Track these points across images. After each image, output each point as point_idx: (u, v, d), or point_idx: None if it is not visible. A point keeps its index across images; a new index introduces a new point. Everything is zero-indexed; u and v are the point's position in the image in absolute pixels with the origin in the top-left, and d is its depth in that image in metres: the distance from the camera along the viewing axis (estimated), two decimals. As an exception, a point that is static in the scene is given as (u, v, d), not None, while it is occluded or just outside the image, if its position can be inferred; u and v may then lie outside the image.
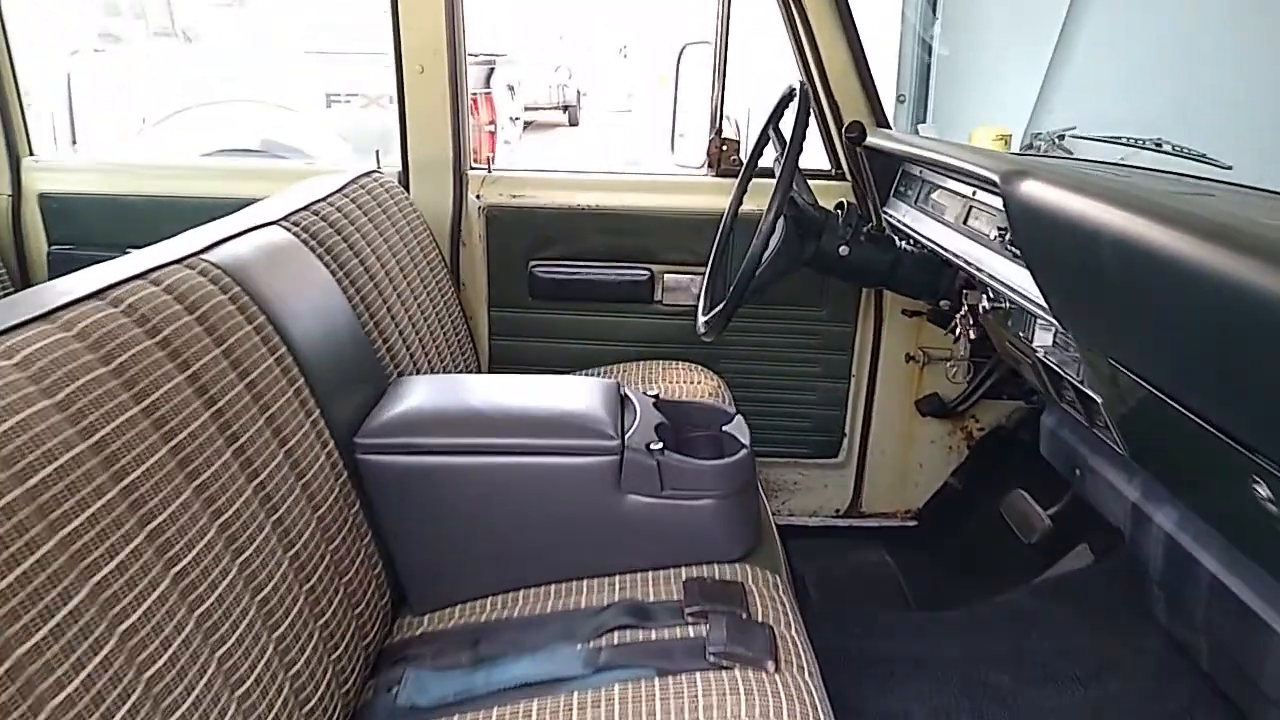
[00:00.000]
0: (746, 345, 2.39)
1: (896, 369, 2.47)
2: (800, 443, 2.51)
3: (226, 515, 1.01)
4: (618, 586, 1.33)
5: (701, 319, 2.02)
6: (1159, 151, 1.59)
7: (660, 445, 1.34)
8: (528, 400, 1.44)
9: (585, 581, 1.35)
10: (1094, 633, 1.61)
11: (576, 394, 1.46)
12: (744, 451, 1.38)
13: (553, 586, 1.36)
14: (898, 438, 2.55)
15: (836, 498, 2.58)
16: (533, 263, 2.37)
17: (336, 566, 1.21)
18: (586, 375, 2.27)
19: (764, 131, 2.05)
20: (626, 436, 1.35)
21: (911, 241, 1.97)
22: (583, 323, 2.42)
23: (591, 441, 1.34)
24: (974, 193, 1.76)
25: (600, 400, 1.44)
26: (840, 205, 1.94)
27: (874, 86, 2.29)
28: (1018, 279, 1.50)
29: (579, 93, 14.59)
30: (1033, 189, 1.18)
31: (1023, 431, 2.53)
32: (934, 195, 2.00)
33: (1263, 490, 0.91)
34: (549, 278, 2.38)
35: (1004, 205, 1.27)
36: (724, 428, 1.46)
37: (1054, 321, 1.33)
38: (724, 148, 2.37)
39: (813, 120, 2.31)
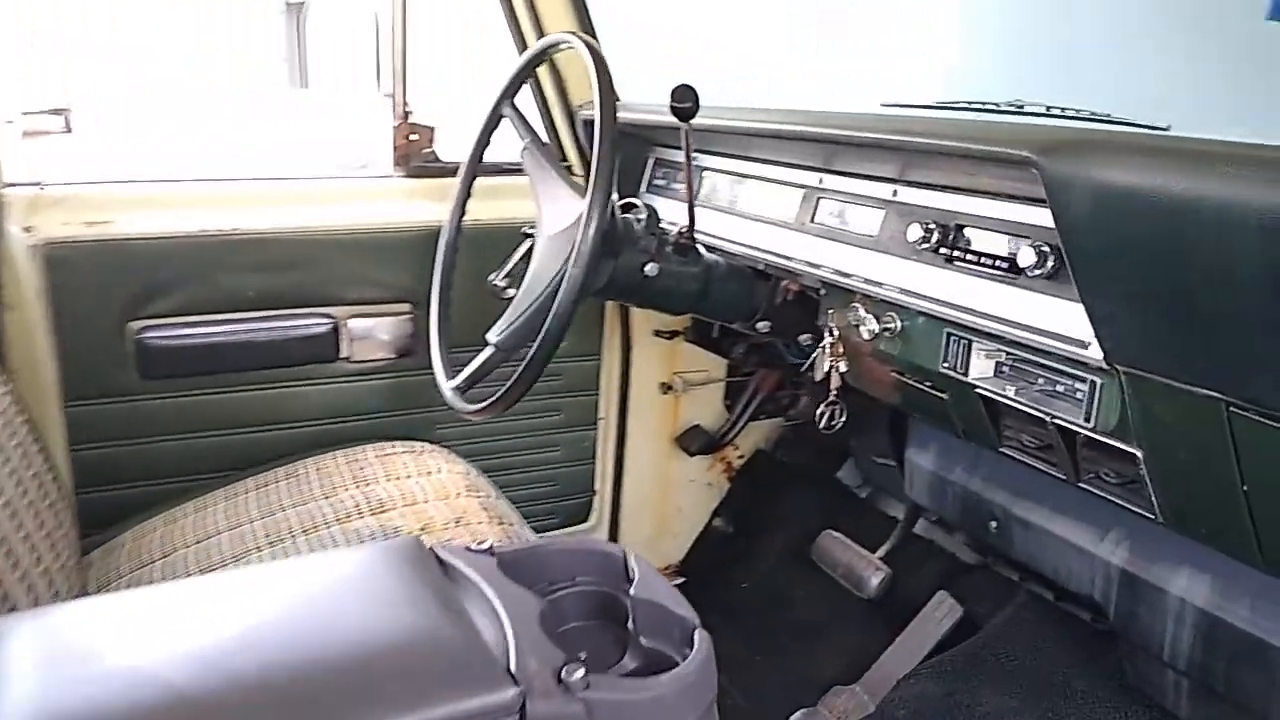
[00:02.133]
0: None
1: (650, 402, 2.03)
2: (548, 513, 1.98)
3: None
4: None
5: (448, 385, 1.39)
6: (1021, 114, 1.28)
7: (581, 671, 0.72)
8: (285, 632, 0.72)
9: None
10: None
11: (365, 589, 0.78)
12: (704, 640, 0.80)
13: None
14: (652, 482, 2.12)
15: None
16: (136, 324, 1.53)
17: None
18: (258, 481, 1.50)
19: (496, 110, 1.46)
20: (514, 666, 0.71)
21: (718, 251, 1.51)
22: (235, 404, 1.62)
23: (460, 704, 0.67)
24: (820, 180, 1.34)
25: (421, 591, 0.77)
26: (629, 206, 1.41)
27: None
28: (947, 291, 1.11)
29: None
30: (1123, 171, 0.77)
31: (782, 452, 2.23)
32: (724, 189, 1.57)
33: None
34: (167, 345, 1.55)
35: (1053, 194, 0.84)
36: (632, 591, 0.87)
37: (1078, 351, 0.94)
38: (413, 138, 1.71)
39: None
